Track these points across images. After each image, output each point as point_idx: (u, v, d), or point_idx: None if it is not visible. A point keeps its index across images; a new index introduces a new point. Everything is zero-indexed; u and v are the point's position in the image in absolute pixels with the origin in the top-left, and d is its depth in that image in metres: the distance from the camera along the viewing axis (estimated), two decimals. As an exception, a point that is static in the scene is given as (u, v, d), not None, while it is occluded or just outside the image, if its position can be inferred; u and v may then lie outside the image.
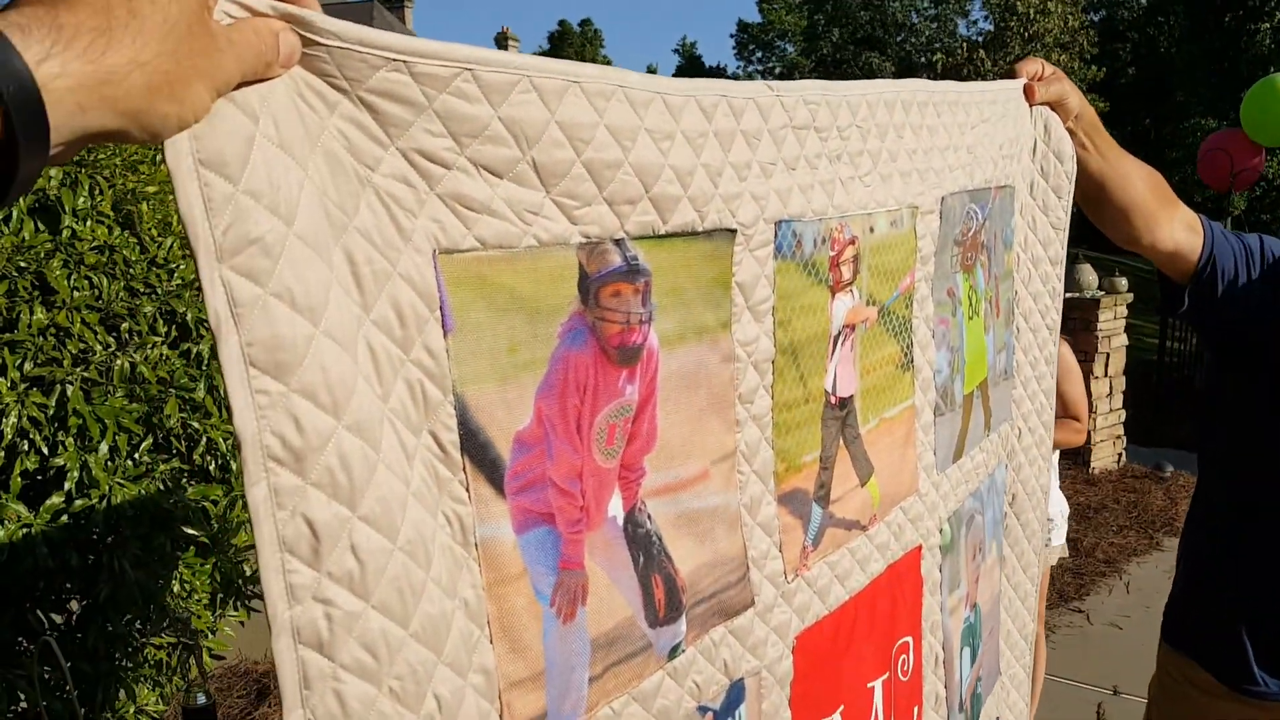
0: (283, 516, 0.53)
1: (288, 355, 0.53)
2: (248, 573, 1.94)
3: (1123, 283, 6.48)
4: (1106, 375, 6.54)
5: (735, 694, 0.95)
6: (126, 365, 1.62)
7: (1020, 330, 1.74)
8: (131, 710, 1.75)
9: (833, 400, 1.12)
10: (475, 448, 0.66)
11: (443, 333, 0.63)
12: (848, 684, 1.16)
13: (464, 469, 0.65)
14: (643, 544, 0.83)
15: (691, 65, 51.25)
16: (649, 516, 0.84)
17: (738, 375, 0.94)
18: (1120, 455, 6.78)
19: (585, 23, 52.03)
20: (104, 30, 0.43)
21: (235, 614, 1.95)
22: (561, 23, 51.81)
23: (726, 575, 0.94)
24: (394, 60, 0.58)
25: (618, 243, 0.77)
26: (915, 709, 1.35)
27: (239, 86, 0.50)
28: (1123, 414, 6.72)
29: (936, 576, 1.39)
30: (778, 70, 41.73)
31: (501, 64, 0.64)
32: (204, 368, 1.85)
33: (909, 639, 1.31)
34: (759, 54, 44.16)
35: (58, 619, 1.68)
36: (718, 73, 48.89)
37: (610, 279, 0.76)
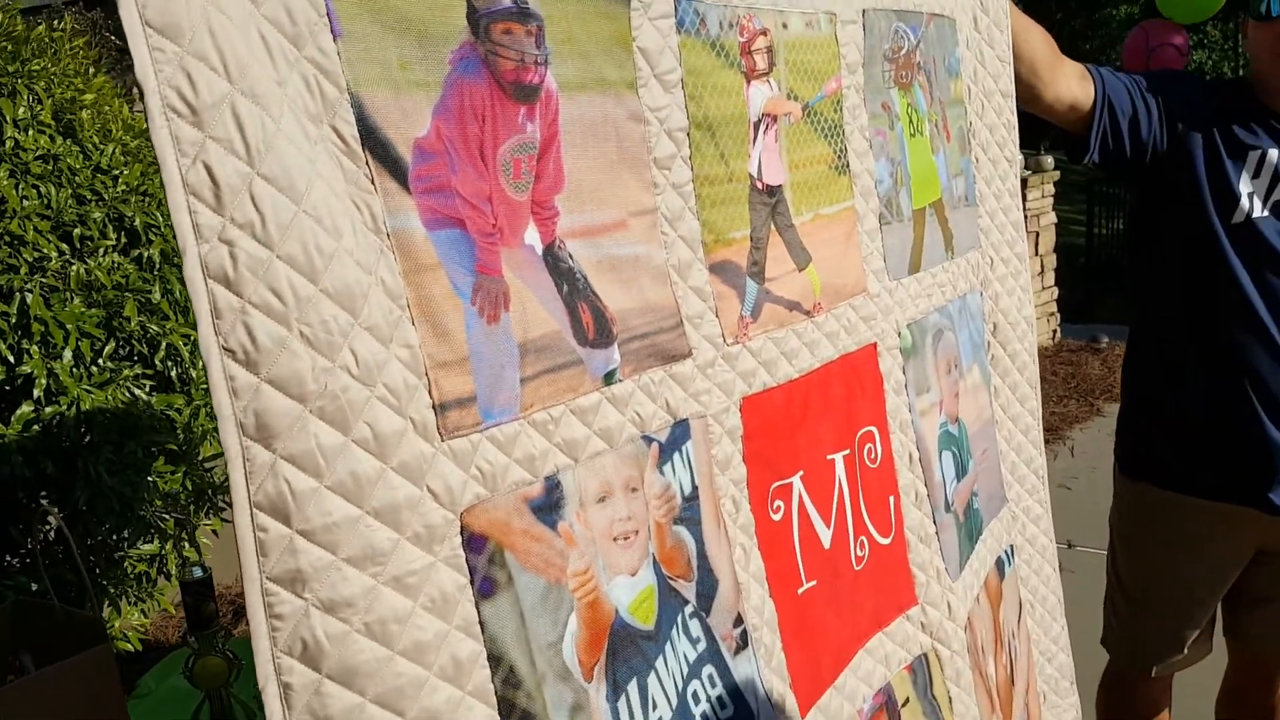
0: (185, 162, 0.62)
1: (179, 20, 0.61)
2: (217, 481, 2.00)
3: (1049, 160, 6.56)
4: (1037, 254, 6.61)
5: (680, 431, 1.03)
6: (82, 271, 1.72)
7: (979, 161, 1.79)
8: (116, 625, 1.84)
9: (759, 185, 1.18)
10: (376, 144, 0.74)
11: (332, 36, 0.72)
12: (805, 453, 1.23)
13: (367, 163, 0.73)
14: (565, 276, 0.90)
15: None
16: (570, 254, 0.91)
17: (651, 138, 1.01)
18: (1055, 332, 6.84)
19: None
20: None
21: (209, 522, 2.00)
22: None
23: (659, 321, 1.01)
24: None
25: (505, -13, 0.84)
26: (891, 499, 1.41)
27: None
28: (1055, 291, 6.78)
29: (900, 377, 1.44)
30: None
31: None
32: (157, 272, 1.94)
33: (873, 429, 1.37)
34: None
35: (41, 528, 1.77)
36: None
37: (499, 17, 0.84)
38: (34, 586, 1.68)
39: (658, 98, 1.02)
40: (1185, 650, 2.18)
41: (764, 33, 1.19)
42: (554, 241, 0.90)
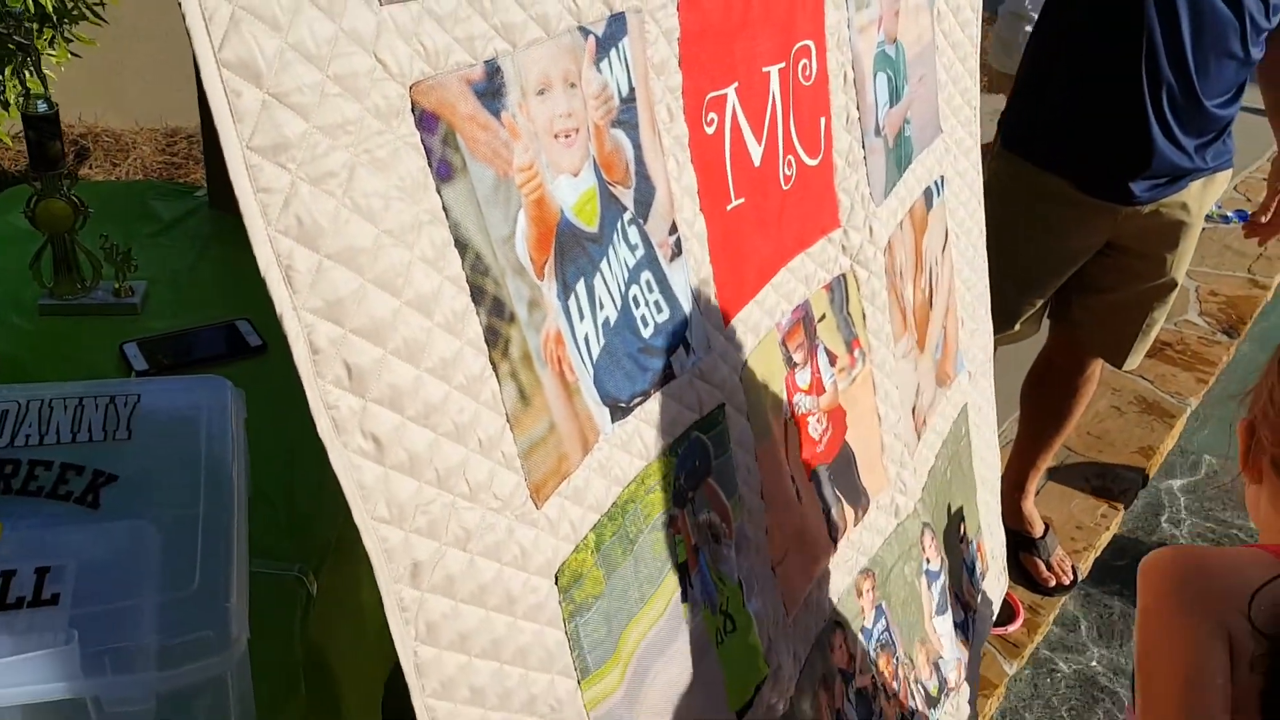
0: None
1: None
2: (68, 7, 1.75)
3: None
4: None
5: (617, 26, 0.97)
6: None
7: None
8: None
9: None
10: None
11: None
12: (741, 62, 1.19)
13: None
14: None
15: None
16: None
17: None
18: None
19: None
20: None
21: (53, 53, 1.79)
22: None
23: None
24: None
25: None
26: (822, 119, 1.40)
27: None
28: None
29: (833, -11, 1.38)
30: None
31: None
32: None
33: (810, 43, 1.33)
34: None
35: None
36: None
37: None
38: None
39: None
40: (1018, 326, 2.37)
41: None
42: None
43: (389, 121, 0.71)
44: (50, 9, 1.60)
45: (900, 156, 1.63)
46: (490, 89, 0.81)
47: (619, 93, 1.00)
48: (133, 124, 4.01)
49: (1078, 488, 3.09)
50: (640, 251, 1.08)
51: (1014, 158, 2.22)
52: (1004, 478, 2.86)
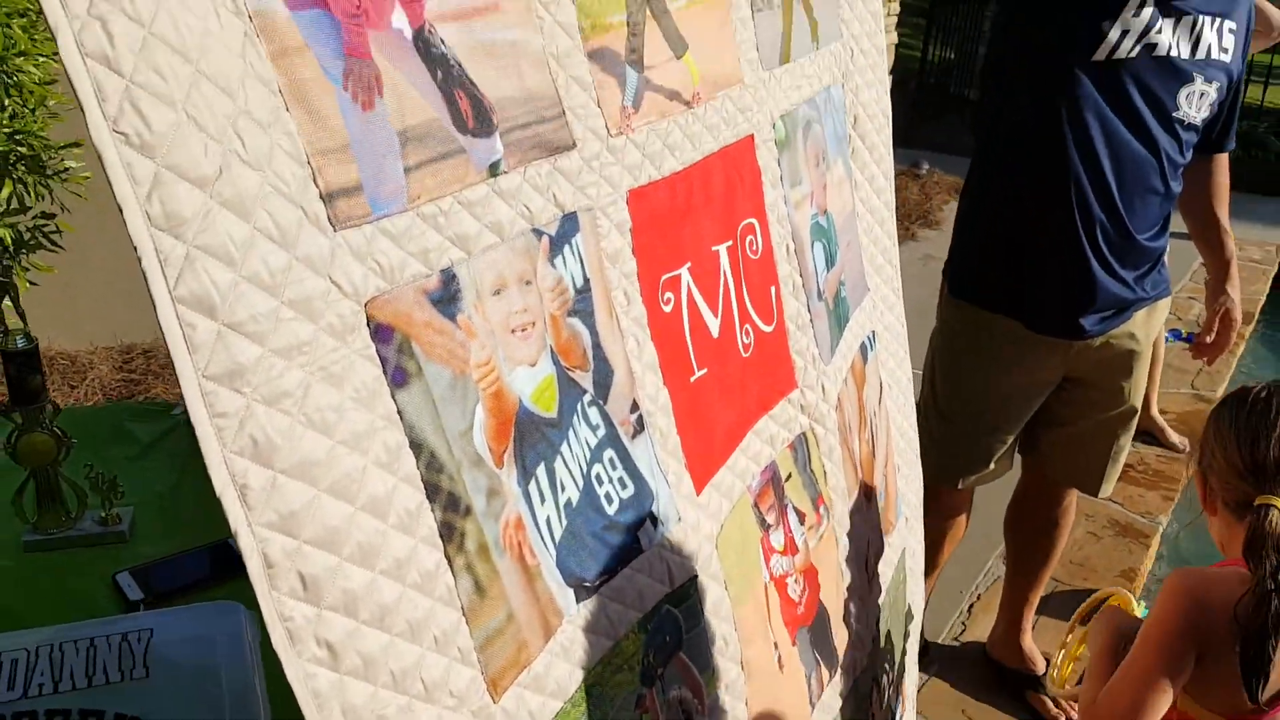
0: None
1: None
2: (26, 239, 1.73)
3: None
4: None
5: (570, 225, 1.03)
6: None
7: None
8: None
9: (633, -31, 1.15)
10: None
11: None
12: (691, 245, 1.25)
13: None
14: (439, 62, 0.87)
15: None
16: (441, 40, 0.88)
17: (516, -84, 0.96)
18: None
19: None
20: None
21: (29, 269, 1.77)
22: None
23: (541, 111, 0.99)
24: None
25: None
26: (772, 289, 1.46)
27: None
28: None
29: (776, 169, 1.47)
30: None
31: None
32: None
33: (754, 221, 1.41)
34: None
35: None
36: None
37: None
38: None
39: None
40: (991, 465, 2.41)
41: None
42: (423, 26, 0.86)
43: (344, 338, 0.75)
44: (9, 241, 1.62)
45: (839, 316, 1.70)
46: (446, 295, 0.86)
47: (574, 284, 1.05)
48: (87, 344, 3.94)
49: (1068, 618, 3.07)
50: (601, 431, 1.11)
51: (964, 305, 2.30)
52: (999, 616, 2.82)
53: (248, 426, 0.68)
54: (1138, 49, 1.96)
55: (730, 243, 1.33)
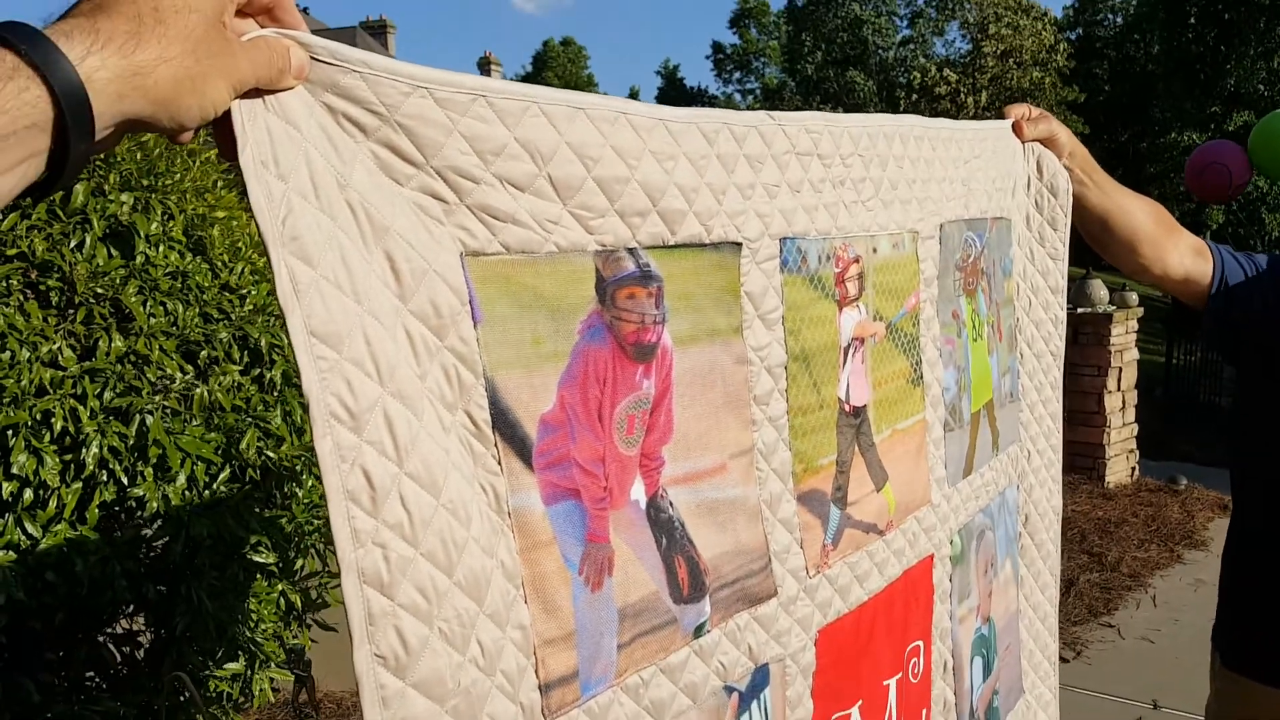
0: (344, 468, 0.62)
1: (339, 329, 0.62)
2: (313, 598, 1.97)
3: (1133, 297, 6.70)
4: (1119, 389, 6.64)
5: (761, 678, 1.01)
6: (205, 394, 1.71)
7: (1024, 356, 1.80)
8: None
9: (847, 408, 1.19)
10: (505, 426, 0.74)
11: (473, 323, 0.72)
12: (866, 680, 1.21)
13: (496, 445, 0.74)
14: (665, 528, 0.90)
15: (672, 85, 53.18)
16: (671, 503, 0.91)
17: (752, 378, 1.02)
18: (1134, 469, 6.84)
19: (568, 41, 53.16)
20: (134, 34, 0.53)
21: (296, 640, 1.98)
22: (546, 43, 52.92)
23: (749, 564, 1.00)
24: (420, 87, 0.68)
25: (631, 251, 0.86)
26: (924, 711, 1.38)
27: (258, 93, 0.60)
28: (1135, 428, 6.78)
29: (946, 585, 1.43)
30: (757, 90, 43.34)
31: (509, 91, 0.74)
32: (278, 394, 1.92)
33: (920, 643, 1.35)
34: (737, 74, 46.17)
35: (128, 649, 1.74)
36: (699, 94, 50.30)
37: (625, 283, 0.85)
38: (121, 711, 1.64)
39: (760, 337, 1.03)
40: None
41: (856, 260, 1.20)
42: (657, 492, 0.90)
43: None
44: (299, 605, 1.88)
45: None
46: None
47: None
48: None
49: None
50: None
51: (1240, 679, 2.04)
52: None
53: None
54: None
55: (900, 675, 1.28)
